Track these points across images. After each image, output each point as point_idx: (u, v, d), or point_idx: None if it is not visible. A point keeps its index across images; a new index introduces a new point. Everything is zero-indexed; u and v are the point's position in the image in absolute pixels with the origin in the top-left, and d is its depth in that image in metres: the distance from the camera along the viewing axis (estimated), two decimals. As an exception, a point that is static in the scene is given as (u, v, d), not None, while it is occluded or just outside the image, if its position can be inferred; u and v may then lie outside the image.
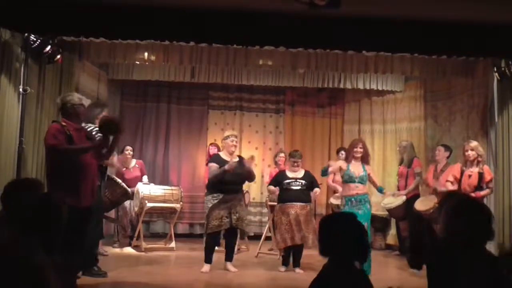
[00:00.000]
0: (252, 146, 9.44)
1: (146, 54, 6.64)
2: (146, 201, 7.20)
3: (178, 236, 8.33)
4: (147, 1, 4.95)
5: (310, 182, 6.45)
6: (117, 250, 7.39)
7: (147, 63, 7.04)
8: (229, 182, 6.05)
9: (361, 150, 6.07)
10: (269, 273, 6.26)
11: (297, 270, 6.30)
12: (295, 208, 6.28)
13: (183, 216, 8.79)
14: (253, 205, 9.02)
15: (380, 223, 8.24)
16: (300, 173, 6.50)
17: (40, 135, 5.46)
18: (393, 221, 8.04)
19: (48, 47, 5.54)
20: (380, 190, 6.26)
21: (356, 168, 5.99)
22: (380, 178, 7.85)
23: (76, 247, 4.46)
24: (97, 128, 5.12)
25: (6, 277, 1.51)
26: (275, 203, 6.69)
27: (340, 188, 6.96)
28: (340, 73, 7.86)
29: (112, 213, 7.25)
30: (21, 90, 5.34)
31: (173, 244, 7.62)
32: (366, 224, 5.78)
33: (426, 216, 6.13)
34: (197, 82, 8.22)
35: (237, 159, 6.19)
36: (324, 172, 6.69)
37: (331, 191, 8.32)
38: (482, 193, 5.80)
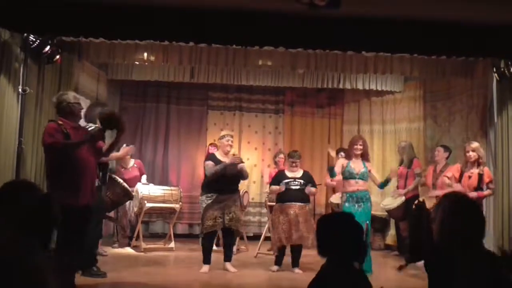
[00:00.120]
0: (252, 147, 9.44)
1: (145, 54, 6.63)
2: (146, 201, 7.20)
3: (177, 237, 8.32)
4: (146, 1, 4.94)
5: (309, 182, 6.45)
6: (117, 250, 7.39)
7: (146, 63, 7.05)
8: (224, 182, 6.04)
9: (361, 147, 6.10)
10: (268, 273, 6.27)
11: (296, 270, 6.29)
12: (294, 208, 6.28)
13: (182, 217, 8.79)
14: (252, 206, 9.01)
15: (379, 224, 8.24)
16: (299, 173, 6.50)
17: (39, 135, 5.44)
18: (392, 221, 8.04)
19: (48, 47, 5.54)
20: (382, 186, 6.27)
21: (356, 165, 6.03)
22: (380, 178, 7.83)
23: (75, 247, 4.46)
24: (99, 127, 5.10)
25: (5, 277, 1.51)
26: (274, 203, 6.69)
27: (335, 184, 6.99)
28: (340, 74, 7.85)
29: (112, 213, 7.25)
30: (20, 90, 5.33)
31: (172, 244, 7.62)
32: (367, 222, 5.79)
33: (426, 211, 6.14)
34: (196, 82, 8.21)
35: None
36: (331, 172, 6.72)
37: (331, 191, 8.33)
38: (485, 193, 5.80)
